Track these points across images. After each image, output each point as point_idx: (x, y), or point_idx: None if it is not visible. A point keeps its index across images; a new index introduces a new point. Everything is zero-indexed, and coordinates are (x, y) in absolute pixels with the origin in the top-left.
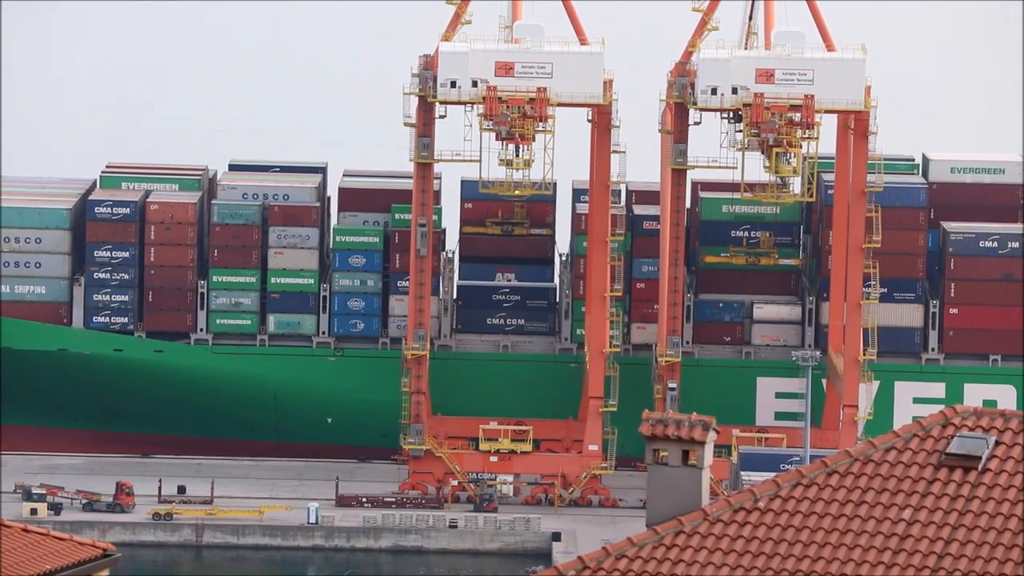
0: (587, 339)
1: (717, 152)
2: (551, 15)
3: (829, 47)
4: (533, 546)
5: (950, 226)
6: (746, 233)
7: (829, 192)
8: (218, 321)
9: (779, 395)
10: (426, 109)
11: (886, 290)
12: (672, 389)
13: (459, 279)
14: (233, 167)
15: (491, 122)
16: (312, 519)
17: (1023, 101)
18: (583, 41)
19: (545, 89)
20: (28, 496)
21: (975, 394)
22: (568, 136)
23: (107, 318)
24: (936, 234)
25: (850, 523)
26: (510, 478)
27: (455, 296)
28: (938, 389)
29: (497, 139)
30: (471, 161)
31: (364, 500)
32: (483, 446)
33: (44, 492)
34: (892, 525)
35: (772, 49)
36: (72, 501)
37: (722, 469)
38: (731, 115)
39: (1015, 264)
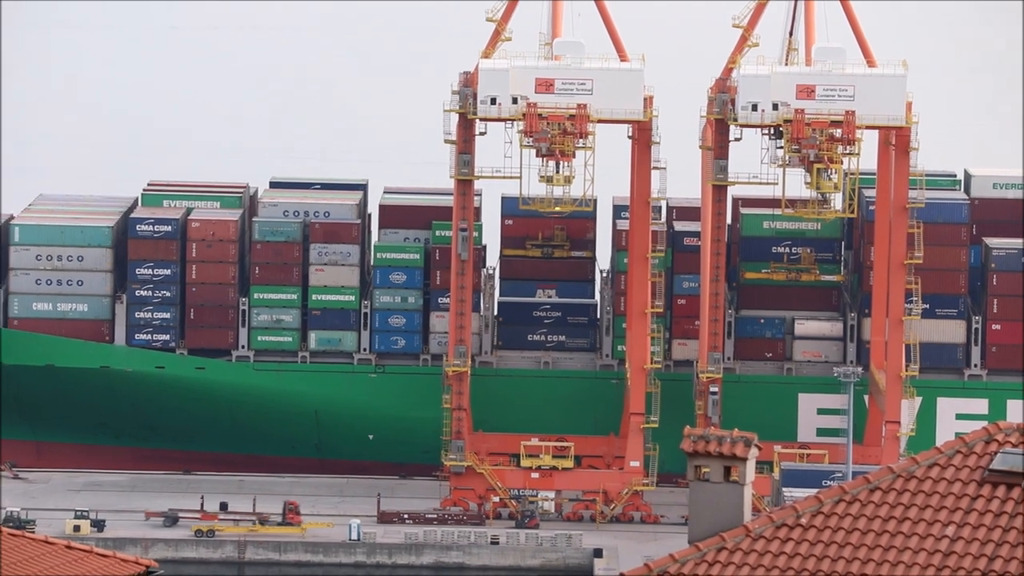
0: (628, 355)
1: (758, 168)
2: (591, 32)
3: (870, 63)
4: (575, 563)
5: (992, 242)
6: (787, 249)
7: (870, 208)
8: (259, 338)
9: (821, 411)
10: (466, 126)
11: (928, 306)
12: (714, 393)
13: (500, 296)
14: (274, 184)
15: (531, 139)
16: (354, 536)
17: None
18: (623, 58)
19: (585, 106)
20: (174, 522)
21: (1018, 410)
22: (608, 152)
23: (149, 335)
24: (978, 250)
25: (893, 539)
26: (552, 494)
27: (496, 313)
28: (981, 405)
29: (537, 156)
30: (511, 178)
31: (406, 516)
32: (524, 462)
33: (199, 518)
34: (935, 541)
35: (813, 65)
36: (237, 523)
37: (764, 485)
38: (772, 131)
39: None
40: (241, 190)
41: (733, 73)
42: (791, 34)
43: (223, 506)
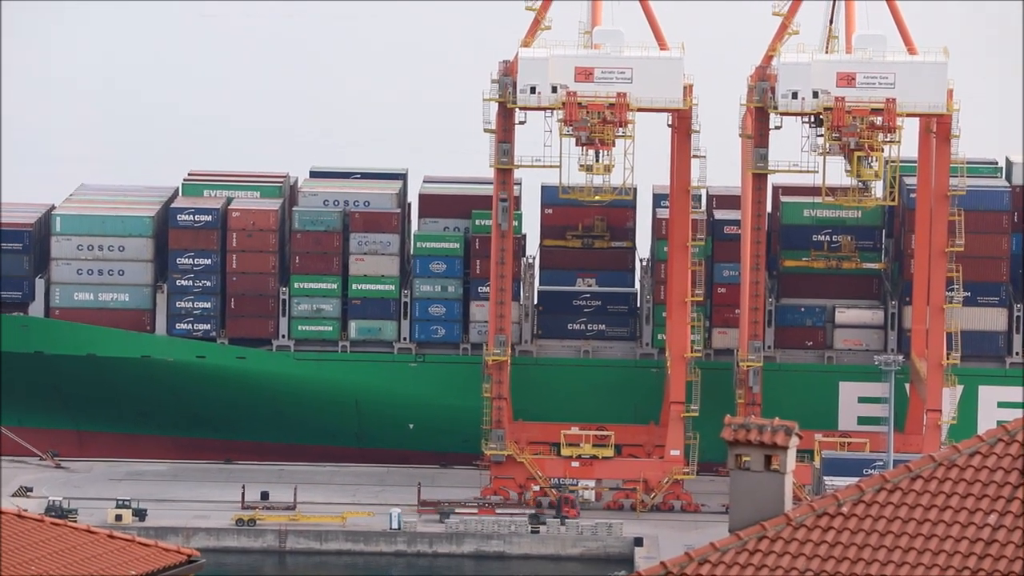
0: (668, 344)
1: (798, 156)
2: (631, 20)
3: (911, 50)
4: (615, 551)
5: None
6: (827, 237)
7: (911, 196)
8: (300, 327)
9: (862, 399)
10: (506, 115)
11: (969, 294)
12: (753, 363)
13: (540, 284)
14: (314, 174)
15: (571, 127)
16: (394, 524)
17: None
18: (663, 46)
19: (625, 94)
20: (445, 516)
21: None
22: (648, 141)
23: (190, 325)
24: (1020, 237)
25: (934, 528)
26: (592, 483)
27: (536, 302)
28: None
29: (577, 144)
30: (551, 167)
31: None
32: (565, 451)
33: (475, 512)
34: (977, 530)
35: (853, 52)
36: (515, 513)
37: (805, 474)
38: (812, 119)
39: None
40: (281, 179)
41: (773, 61)
42: (831, 22)
43: (264, 495)
